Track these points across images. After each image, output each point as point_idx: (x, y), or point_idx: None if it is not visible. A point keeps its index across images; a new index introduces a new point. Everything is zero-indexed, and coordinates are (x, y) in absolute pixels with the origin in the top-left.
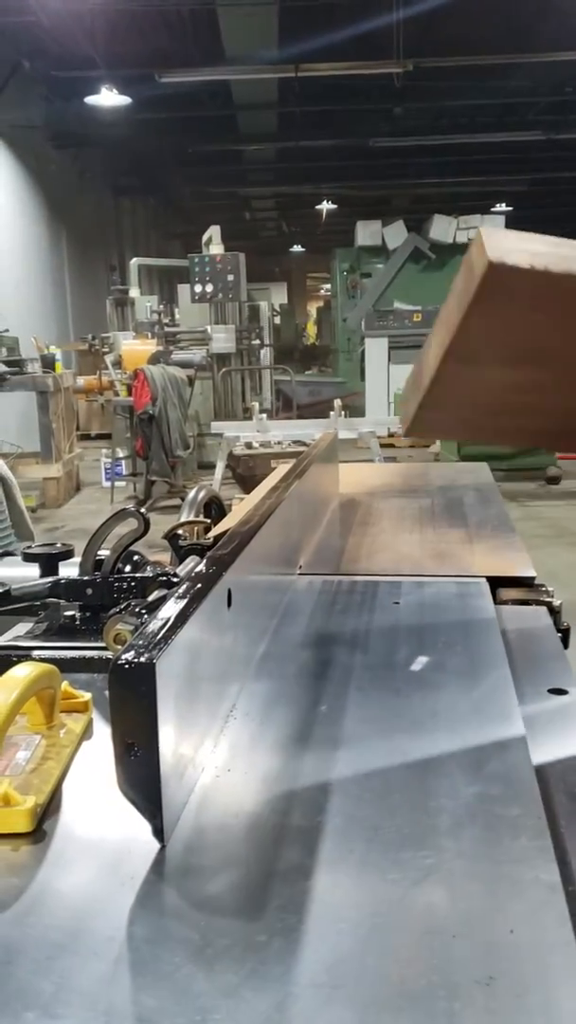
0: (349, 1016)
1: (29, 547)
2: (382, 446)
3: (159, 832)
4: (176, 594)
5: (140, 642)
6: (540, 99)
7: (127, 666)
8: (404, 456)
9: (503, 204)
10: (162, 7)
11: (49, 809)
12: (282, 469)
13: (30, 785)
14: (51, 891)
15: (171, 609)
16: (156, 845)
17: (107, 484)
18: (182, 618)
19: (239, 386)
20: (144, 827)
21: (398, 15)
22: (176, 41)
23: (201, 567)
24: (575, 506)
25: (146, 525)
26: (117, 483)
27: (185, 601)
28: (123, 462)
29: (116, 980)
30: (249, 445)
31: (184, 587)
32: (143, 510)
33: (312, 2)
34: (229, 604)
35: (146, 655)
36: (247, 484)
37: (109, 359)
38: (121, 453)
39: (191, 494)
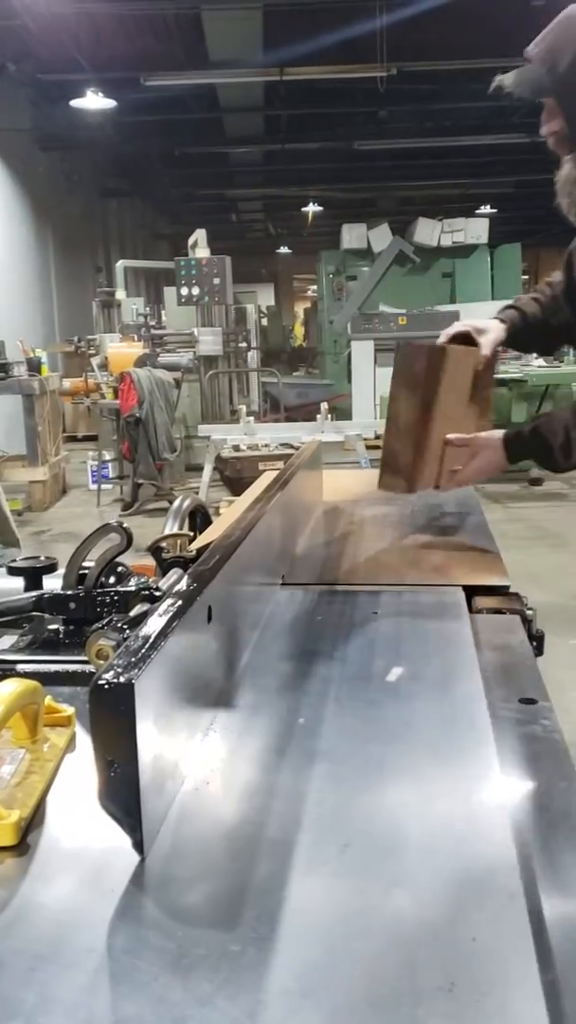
0: (317, 1022)
1: (14, 561)
2: (368, 448)
3: (139, 845)
4: (157, 611)
5: (120, 661)
6: (523, 102)
7: (107, 686)
8: None
9: (487, 206)
10: (147, 11)
11: (33, 822)
12: (268, 476)
13: (14, 799)
14: (34, 903)
15: (152, 627)
16: (136, 858)
17: (93, 487)
18: (162, 636)
19: (226, 388)
20: (125, 840)
21: (382, 19)
22: (161, 44)
23: (183, 583)
24: (557, 508)
25: (128, 540)
26: (104, 486)
27: (166, 619)
28: (109, 465)
29: (96, 990)
30: (237, 448)
31: (165, 604)
32: (125, 525)
33: (297, 6)
34: (209, 619)
35: (125, 676)
36: (235, 486)
37: (95, 361)
38: (108, 456)
39: (176, 504)
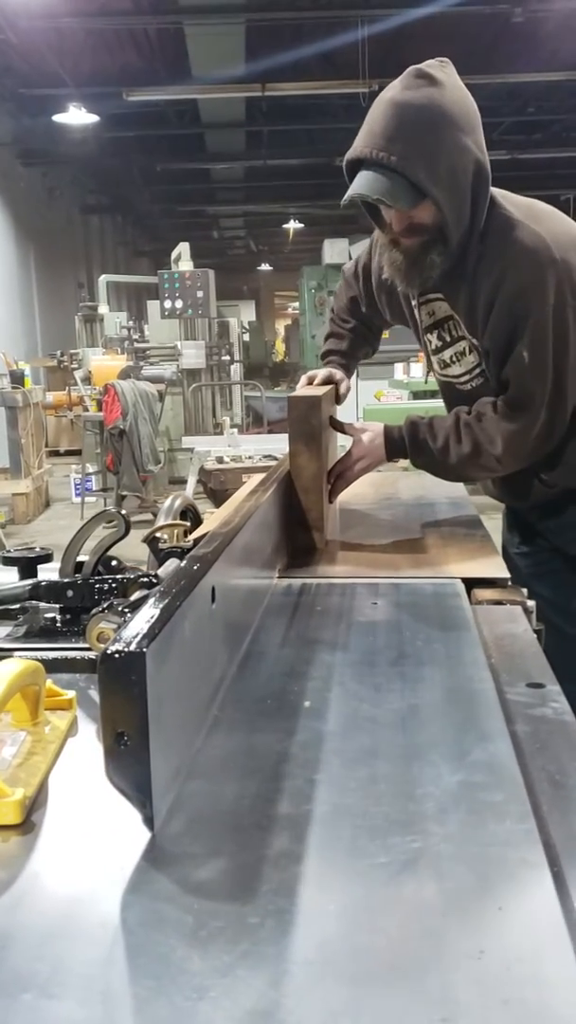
0: (342, 989)
1: (8, 551)
2: None
3: (150, 821)
4: (161, 589)
5: (128, 633)
6: (503, 119)
7: (117, 655)
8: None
9: None
10: (130, 26)
11: (37, 802)
12: (254, 480)
13: (17, 779)
14: (43, 880)
15: (157, 604)
16: (147, 834)
17: (77, 500)
18: (168, 611)
19: (210, 401)
20: (134, 817)
21: (363, 34)
22: (143, 60)
23: (185, 564)
24: None
25: (127, 526)
26: (87, 498)
27: (170, 596)
28: (93, 477)
29: (112, 962)
30: (220, 460)
31: (169, 582)
32: (124, 511)
33: (278, 22)
34: (213, 600)
35: (136, 644)
36: (218, 498)
37: (78, 375)
38: (91, 468)
39: (167, 502)
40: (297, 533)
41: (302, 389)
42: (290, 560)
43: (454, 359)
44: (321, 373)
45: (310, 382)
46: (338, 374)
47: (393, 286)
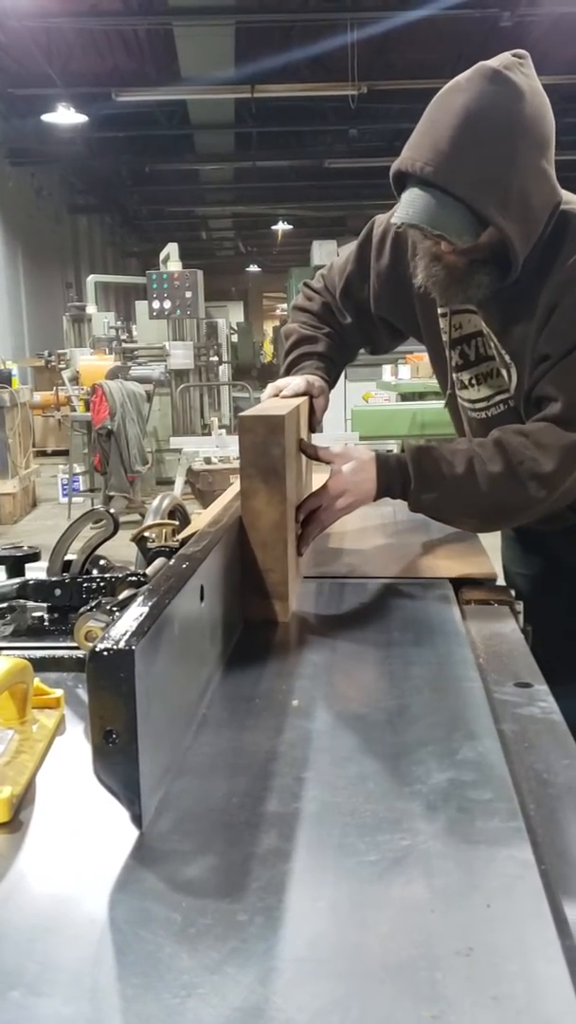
0: (332, 986)
1: None
2: None
3: (137, 819)
4: (150, 588)
5: (117, 631)
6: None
7: (106, 653)
8: None
9: None
10: (119, 26)
11: (24, 801)
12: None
13: (5, 777)
14: (30, 877)
15: (146, 602)
16: (135, 832)
17: (64, 500)
18: (158, 609)
19: (198, 402)
20: (122, 815)
21: (352, 38)
22: (133, 60)
23: (173, 562)
24: None
25: (115, 525)
26: (74, 499)
27: (159, 595)
28: (80, 478)
29: (100, 960)
30: (208, 460)
31: (157, 581)
32: (112, 510)
33: (268, 24)
34: (202, 599)
35: (125, 642)
36: (206, 499)
37: (66, 375)
38: (78, 469)
39: (156, 501)
40: (252, 602)
41: (265, 404)
42: (243, 637)
43: (473, 382)
44: (293, 382)
45: (277, 393)
46: (316, 382)
47: (409, 282)
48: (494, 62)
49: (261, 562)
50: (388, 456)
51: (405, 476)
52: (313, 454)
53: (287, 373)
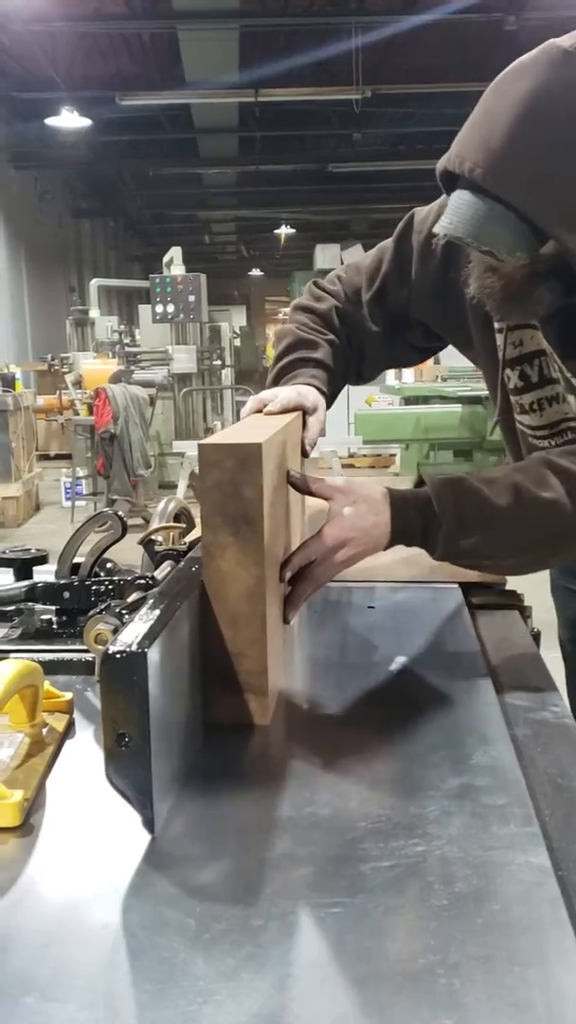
0: (350, 992)
1: (3, 552)
2: (343, 467)
3: (150, 823)
4: (160, 591)
5: (129, 633)
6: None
7: (119, 655)
8: (364, 475)
9: None
10: (123, 30)
11: (35, 804)
12: None
13: (15, 780)
14: (42, 882)
15: (157, 604)
16: (147, 836)
17: (67, 504)
18: (169, 612)
19: (200, 406)
20: (134, 819)
21: (357, 42)
22: (137, 64)
23: (182, 566)
24: None
25: (123, 528)
26: (78, 503)
27: (170, 598)
28: (83, 481)
29: (114, 966)
30: None
31: (167, 584)
32: (120, 513)
33: (272, 28)
34: None
35: (137, 644)
36: None
37: (69, 379)
38: (81, 472)
39: (161, 505)
40: (219, 698)
41: (244, 422)
42: (205, 742)
43: (535, 407)
44: (283, 394)
45: (260, 408)
46: (311, 395)
47: (461, 290)
48: (565, 40)
49: (230, 643)
50: (404, 494)
51: (430, 518)
52: (305, 488)
53: (276, 383)
